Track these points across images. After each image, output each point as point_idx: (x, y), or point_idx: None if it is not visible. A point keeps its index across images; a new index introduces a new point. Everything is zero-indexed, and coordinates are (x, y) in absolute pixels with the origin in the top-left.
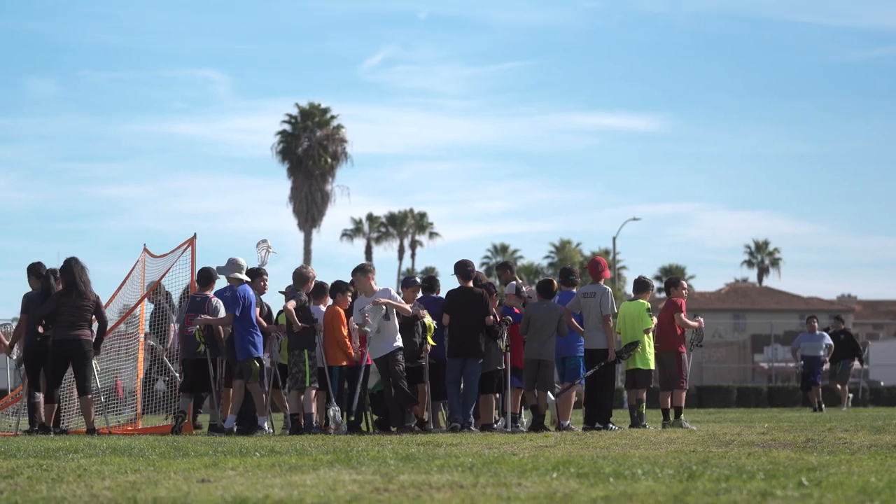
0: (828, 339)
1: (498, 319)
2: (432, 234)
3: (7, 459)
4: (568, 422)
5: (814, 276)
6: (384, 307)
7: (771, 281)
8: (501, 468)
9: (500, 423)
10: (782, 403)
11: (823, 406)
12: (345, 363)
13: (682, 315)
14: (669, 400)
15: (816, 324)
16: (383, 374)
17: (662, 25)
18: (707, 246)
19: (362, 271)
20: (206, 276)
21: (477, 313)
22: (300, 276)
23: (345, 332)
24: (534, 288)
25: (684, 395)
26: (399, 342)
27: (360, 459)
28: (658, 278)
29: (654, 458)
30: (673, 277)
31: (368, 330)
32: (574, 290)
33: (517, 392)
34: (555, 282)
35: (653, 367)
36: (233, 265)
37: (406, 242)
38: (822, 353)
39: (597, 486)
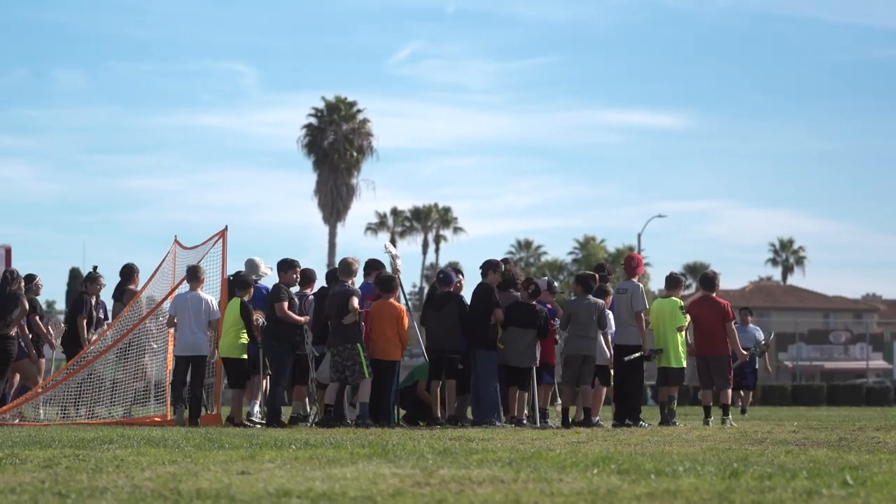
0: (759, 334)
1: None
2: (456, 229)
3: (43, 449)
4: (598, 418)
5: (838, 275)
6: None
7: (795, 279)
8: (541, 463)
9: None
10: (807, 402)
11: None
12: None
13: (733, 324)
14: (712, 398)
15: (750, 317)
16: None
17: (688, 22)
18: (731, 244)
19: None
20: (307, 277)
21: (484, 305)
22: (347, 267)
23: (404, 327)
24: (556, 284)
25: (730, 392)
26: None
27: (398, 453)
28: (683, 276)
29: (693, 455)
30: (710, 274)
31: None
32: (607, 286)
33: (547, 388)
34: (596, 276)
35: (685, 364)
36: (255, 266)
37: (430, 237)
38: (751, 347)
39: (639, 483)
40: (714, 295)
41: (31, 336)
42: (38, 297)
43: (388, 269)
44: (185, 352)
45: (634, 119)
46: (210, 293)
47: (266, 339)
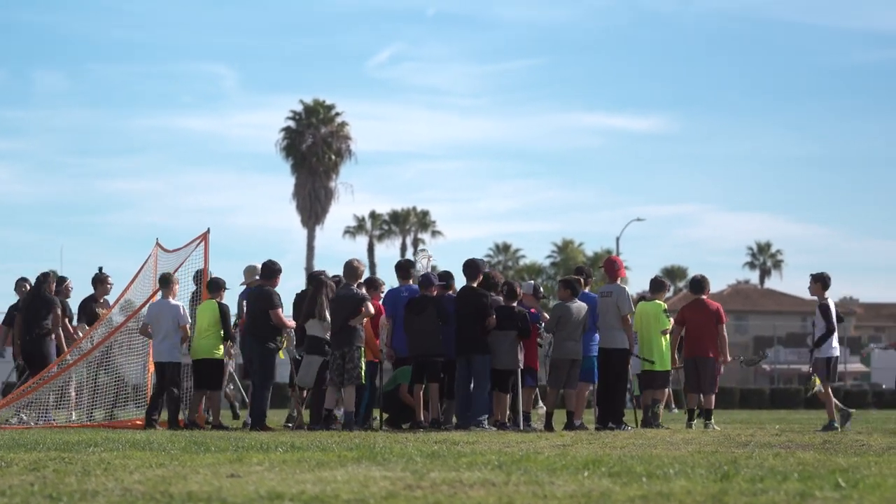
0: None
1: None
2: (435, 233)
3: (28, 452)
4: (580, 421)
5: None
6: None
7: (773, 283)
8: (531, 466)
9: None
10: (785, 405)
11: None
12: (369, 360)
13: (724, 327)
14: (698, 401)
15: None
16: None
17: (670, 25)
18: (710, 247)
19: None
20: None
21: (479, 311)
22: (351, 270)
23: (370, 329)
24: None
25: (714, 397)
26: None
27: (386, 456)
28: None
29: (682, 458)
30: (699, 278)
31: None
32: (587, 290)
33: (529, 391)
34: (581, 280)
35: (669, 367)
36: (255, 272)
37: (409, 241)
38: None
39: (631, 486)
40: (705, 297)
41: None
42: (69, 300)
43: (421, 270)
44: (159, 358)
45: (614, 122)
46: (186, 297)
47: (253, 343)
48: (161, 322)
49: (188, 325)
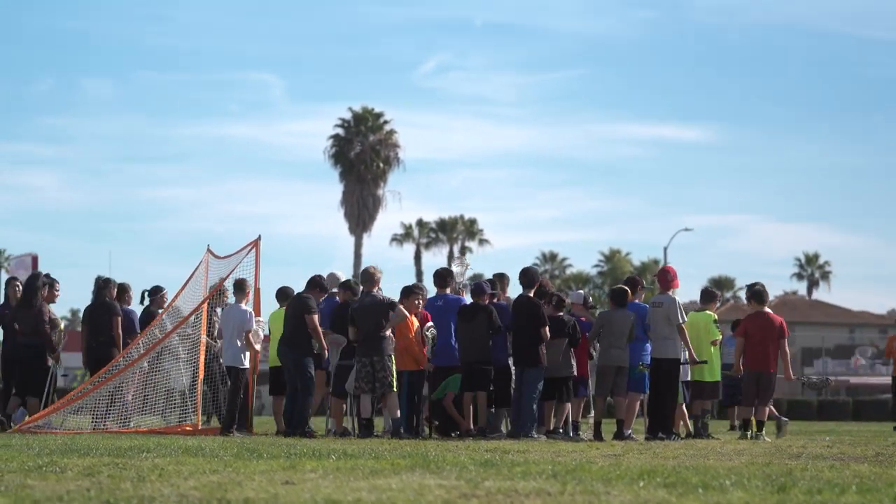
0: None
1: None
2: (482, 241)
3: (82, 457)
4: (629, 430)
5: (864, 290)
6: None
7: (821, 294)
8: (585, 476)
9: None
10: (832, 417)
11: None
12: (412, 368)
13: (786, 342)
14: (753, 413)
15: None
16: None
17: (715, 37)
18: (757, 258)
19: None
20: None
21: (532, 322)
22: (369, 277)
23: (411, 337)
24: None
25: (767, 410)
26: None
27: (440, 464)
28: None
29: (737, 469)
30: (760, 288)
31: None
32: (637, 301)
33: (579, 400)
34: (628, 290)
35: (719, 378)
36: (335, 280)
37: (455, 249)
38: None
39: (687, 497)
40: (766, 309)
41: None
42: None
43: (458, 278)
44: (225, 362)
45: (660, 132)
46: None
47: (287, 351)
48: (229, 326)
49: (251, 332)
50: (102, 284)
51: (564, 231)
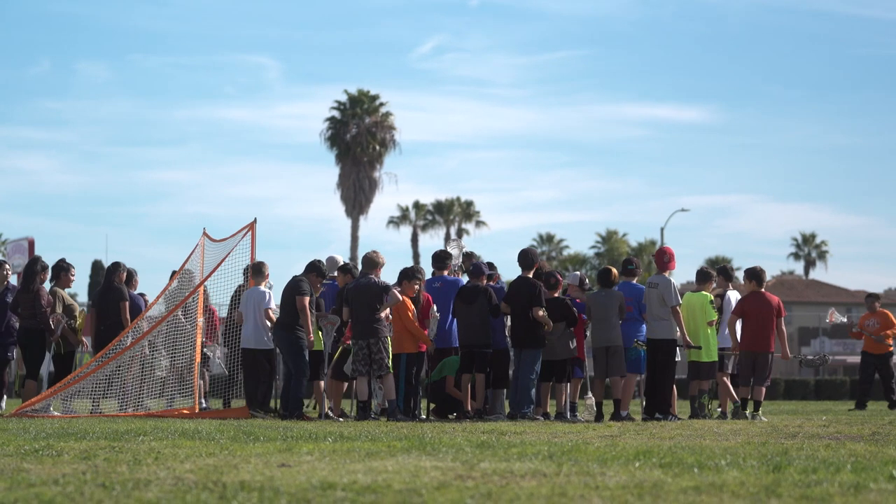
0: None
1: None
2: (479, 223)
3: (78, 441)
4: (626, 411)
5: (861, 269)
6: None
7: (818, 274)
8: (581, 457)
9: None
10: (829, 396)
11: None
12: (410, 351)
13: (783, 321)
14: (750, 392)
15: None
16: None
17: (713, 17)
18: (754, 238)
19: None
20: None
21: (532, 302)
22: (370, 261)
23: (411, 319)
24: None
25: (764, 389)
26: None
27: (436, 446)
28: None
29: (733, 449)
30: (758, 269)
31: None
32: (634, 281)
33: (576, 382)
34: (614, 270)
35: (716, 358)
36: (334, 263)
37: (452, 231)
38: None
39: (682, 477)
40: (763, 290)
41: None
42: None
43: (455, 260)
44: (250, 345)
45: (658, 113)
46: (231, 291)
47: (281, 332)
48: (250, 308)
49: (272, 311)
50: (112, 269)
51: (561, 212)
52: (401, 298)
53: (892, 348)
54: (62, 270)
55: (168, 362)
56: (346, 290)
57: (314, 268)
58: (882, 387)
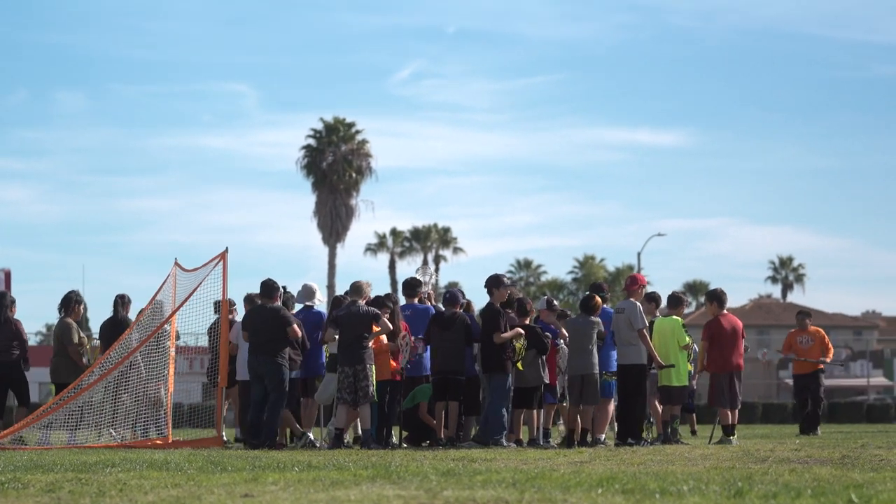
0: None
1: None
2: (456, 249)
3: (45, 473)
4: (603, 436)
5: (838, 292)
6: None
7: (795, 297)
8: (545, 484)
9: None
10: None
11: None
12: (385, 378)
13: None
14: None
15: None
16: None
17: (692, 41)
18: (731, 261)
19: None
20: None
21: (491, 330)
22: (357, 289)
23: (385, 347)
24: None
25: (737, 412)
26: None
27: (401, 474)
28: (684, 294)
29: (698, 474)
30: (720, 292)
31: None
32: (606, 306)
33: (549, 407)
34: (597, 297)
35: (686, 383)
36: (311, 292)
37: (430, 258)
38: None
39: (643, 503)
40: (726, 312)
41: None
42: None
43: (424, 285)
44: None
45: (635, 137)
46: (205, 326)
47: (262, 359)
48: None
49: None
50: (119, 301)
51: (539, 237)
52: (390, 327)
53: (822, 366)
54: (74, 303)
55: (136, 394)
56: (337, 316)
57: (269, 288)
58: (809, 407)
